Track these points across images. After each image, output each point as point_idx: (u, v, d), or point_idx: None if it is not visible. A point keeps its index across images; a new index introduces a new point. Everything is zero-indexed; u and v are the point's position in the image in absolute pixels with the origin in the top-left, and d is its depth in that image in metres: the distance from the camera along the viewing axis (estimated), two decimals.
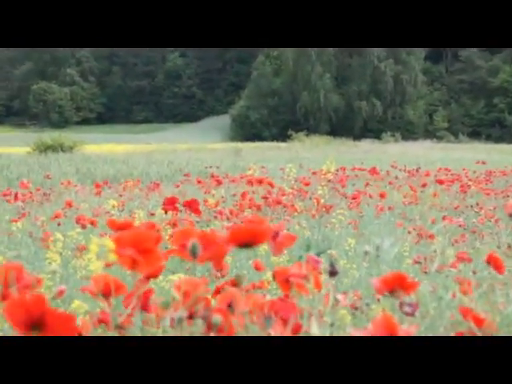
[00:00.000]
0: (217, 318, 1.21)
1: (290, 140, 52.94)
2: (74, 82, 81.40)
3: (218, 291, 1.52)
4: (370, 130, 64.12)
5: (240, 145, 40.88)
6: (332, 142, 51.10)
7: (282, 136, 57.37)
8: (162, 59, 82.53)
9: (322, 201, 7.23)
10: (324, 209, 7.16)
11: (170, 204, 2.97)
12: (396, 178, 12.79)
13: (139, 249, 1.21)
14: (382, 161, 23.52)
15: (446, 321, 2.18)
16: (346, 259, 4.71)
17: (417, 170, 14.00)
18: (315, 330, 1.20)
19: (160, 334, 1.25)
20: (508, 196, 9.51)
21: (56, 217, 6.27)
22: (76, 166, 21.03)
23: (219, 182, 9.60)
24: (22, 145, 35.00)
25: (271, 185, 7.20)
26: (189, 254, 1.26)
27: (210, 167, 18.36)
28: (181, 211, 3.33)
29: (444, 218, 6.31)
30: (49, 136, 33.43)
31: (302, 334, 1.27)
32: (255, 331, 1.24)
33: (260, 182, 7.10)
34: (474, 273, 3.44)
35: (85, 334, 1.40)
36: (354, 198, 8.26)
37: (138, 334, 1.28)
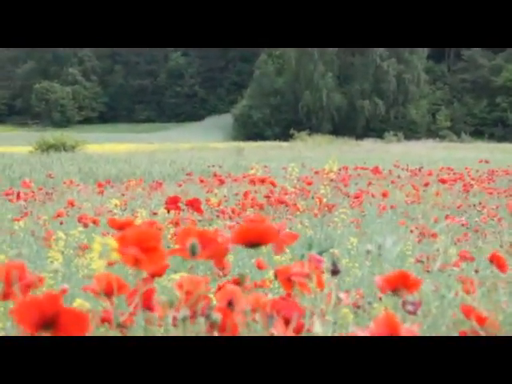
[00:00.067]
0: (216, 315, 1.21)
1: (292, 139, 52.91)
2: (76, 81, 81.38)
3: (220, 290, 1.52)
4: (373, 130, 64.05)
5: (242, 144, 40.83)
6: (334, 141, 51.07)
7: (285, 135, 57.33)
8: (165, 58, 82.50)
9: (325, 200, 7.23)
10: (326, 208, 7.16)
11: (172, 203, 2.97)
12: (398, 177, 12.78)
13: (142, 247, 1.20)
14: (385, 160, 23.51)
15: (448, 319, 2.18)
16: (349, 258, 4.71)
17: (419, 170, 14.00)
18: (318, 329, 1.20)
19: (162, 332, 1.25)
20: (511, 195, 9.51)
21: (58, 216, 6.28)
22: (78, 166, 21.03)
23: (222, 182, 9.60)
24: (24, 144, 35.02)
25: (273, 184, 7.20)
26: (188, 253, 1.25)
27: (213, 166, 18.37)
28: (183, 210, 3.33)
29: (447, 217, 6.31)
30: (51, 135, 33.42)
31: (304, 332, 1.27)
32: (257, 330, 1.24)
33: (262, 181, 7.10)
34: (477, 271, 3.44)
35: (87, 332, 1.39)
36: (356, 197, 8.26)
37: (141, 332, 1.28)
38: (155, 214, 6.33)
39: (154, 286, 1.38)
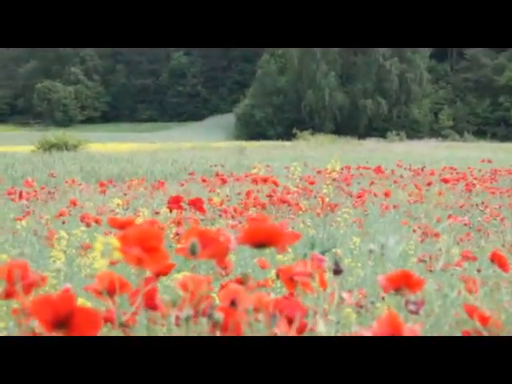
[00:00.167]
0: (218, 315, 1.21)
1: (294, 139, 52.92)
2: (78, 80, 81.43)
3: (223, 289, 1.52)
4: (375, 129, 64.07)
5: (244, 143, 40.84)
6: (337, 140, 51.08)
7: (287, 135, 57.34)
8: (167, 57, 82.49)
9: (327, 199, 7.22)
10: (329, 207, 7.15)
11: (174, 202, 2.97)
12: (401, 176, 12.78)
13: (144, 247, 1.20)
14: (387, 159, 23.51)
15: (450, 319, 2.18)
16: (351, 258, 4.70)
17: (422, 169, 13.98)
18: (322, 329, 1.20)
19: (165, 332, 1.25)
20: None
21: (60, 215, 6.27)
22: (80, 165, 21.05)
23: (224, 181, 9.60)
24: (26, 143, 35.06)
25: (276, 183, 7.19)
26: (188, 253, 1.25)
27: (215, 166, 18.37)
28: (185, 210, 3.32)
29: (449, 216, 6.31)
30: (53, 135, 33.45)
31: (306, 332, 1.27)
32: (260, 329, 1.23)
33: (265, 180, 7.09)
34: (479, 271, 3.43)
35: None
36: (358, 197, 8.26)
37: (143, 332, 1.28)
38: (157, 213, 6.32)
39: (157, 286, 1.38)
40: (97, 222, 5.21)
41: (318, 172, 12.16)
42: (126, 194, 9.92)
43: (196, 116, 79.41)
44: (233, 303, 1.25)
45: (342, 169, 11.69)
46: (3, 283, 1.31)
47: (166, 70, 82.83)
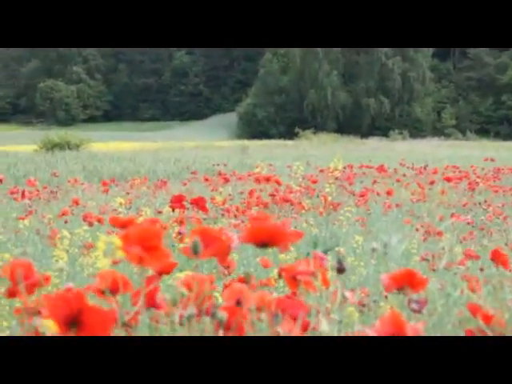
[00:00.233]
0: (222, 314, 1.21)
1: (297, 138, 52.93)
2: (80, 79, 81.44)
3: (226, 288, 1.52)
4: (378, 128, 64.03)
5: (247, 142, 40.80)
6: (339, 139, 51.07)
7: (289, 134, 57.31)
8: (169, 57, 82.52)
9: (330, 198, 7.22)
10: (331, 206, 7.15)
11: (177, 202, 2.97)
12: (404, 175, 12.76)
13: (145, 245, 1.20)
14: (390, 158, 23.50)
15: (453, 318, 2.17)
16: (354, 256, 4.70)
17: (425, 168, 13.97)
18: (325, 328, 1.20)
19: (168, 331, 1.25)
20: None
21: (63, 214, 6.27)
22: (83, 164, 21.05)
23: (226, 180, 9.59)
24: (28, 143, 35.09)
25: (278, 183, 7.19)
26: (190, 252, 1.25)
27: (218, 165, 18.36)
28: (188, 209, 3.32)
29: (452, 215, 6.30)
30: (55, 134, 33.48)
31: (309, 331, 1.26)
32: (262, 328, 1.23)
33: (267, 179, 7.08)
34: (482, 270, 3.43)
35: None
36: (361, 196, 8.25)
37: (146, 331, 1.28)
38: (160, 212, 6.32)
39: (159, 285, 1.37)
40: (99, 221, 5.21)
41: (321, 171, 12.15)
42: (128, 194, 9.93)
43: (198, 115, 79.40)
44: (238, 303, 1.25)
45: (344, 168, 11.69)
46: (6, 282, 1.31)
47: (169, 70, 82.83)
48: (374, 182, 11.08)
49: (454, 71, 74.36)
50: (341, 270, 1.35)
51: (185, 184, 11.59)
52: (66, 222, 6.29)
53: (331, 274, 1.41)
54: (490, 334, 1.45)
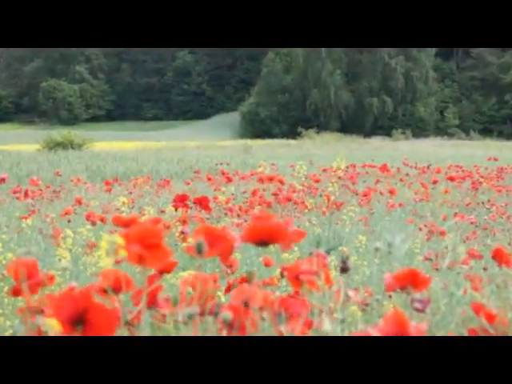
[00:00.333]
0: (226, 313, 1.21)
1: (300, 137, 52.94)
2: (83, 79, 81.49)
3: (229, 288, 1.52)
4: (381, 127, 64.03)
5: (250, 142, 40.84)
6: (342, 139, 51.09)
7: (292, 133, 57.32)
8: (172, 56, 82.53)
9: (333, 198, 7.22)
10: (334, 206, 7.15)
11: (180, 201, 2.97)
12: (407, 175, 12.75)
13: (145, 244, 1.20)
14: (393, 158, 23.50)
15: (457, 317, 2.17)
16: (357, 256, 4.70)
17: (428, 167, 13.96)
18: (327, 327, 1.20)
19: (170, 330, 1.25)
20: None
21: (66, 214, 6.28)
22: (86, 164, 21.08)
23: (229, 179, 9.60)
24: (31, 142, 35.14)
25: (282, 182, 7.19)
26: (195, 251, 1.25)
27: (221, 164, 18.37)
28: (191, 208, 3.32)
29: (455, 214, 6.30)
30: (58, 133, 33.53)
31: (312, 330, 1.26)
32: (265, 328, 1.23)
33: (271, 179, 7.08)
34: (485, 269, 3.43)
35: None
36: (364, 195, 8.25)
37: (148, 330, 1.28)
38: (163, 211, 6.33)
39: (162, 284, 1.37)
40: (102, 220, 5.21)
41: (324, 170, 12.15)
42: (131, 193, 9.94)
43: (201, 114, 79.41)
44: (245, 303, 1.25)
45: (347, 167, 11.68)
46: (10, 281, 1.32)
47: (171, 69, 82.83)
48: (377, 181, 11.07)
49: (457, 71, 74.31)
50: (345, 269, 1.35)
51: (188, 183, 11.59)
52: (68, 222, 6.29)
53: (334, 274, 1.41)
54: (493, 333, 1.45)
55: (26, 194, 7.58)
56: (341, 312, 1.30)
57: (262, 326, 1.24)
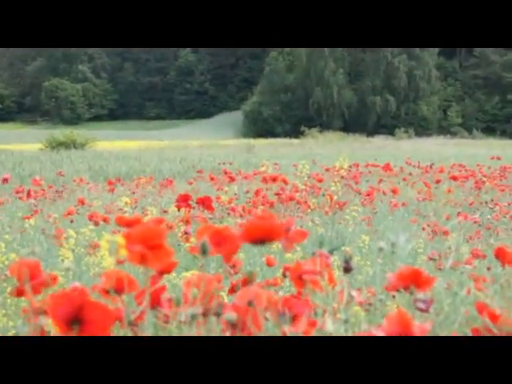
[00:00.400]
0: (229, 314, 1.21)
1: (302, 136, 52.95)
2: (86, 78, 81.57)
3: (232, 288, 1.52)
4: (384, 126, 64.02)
5: (252, 141, 40.84)
6: (345, 138, 51.11)
7: (295, 132, 57.35)
8: (174, 55, 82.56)
9: (336, 197, 7.21)
10: (337, 205, 7.14)
11: (183, 201, 2.97)
12: (410, 174, 12.74)
13: (148, 245, 1.20)
14: (396, 157, 23.49)
15: (460, 317, 2.17)
16: (360, 256, 4.70)
17: (430, 166, 13.94)
18: (330, 328, 1.19)
19: (173, 330, 1.25)
20: None
21: (68, 214, 6.27)
22: (88, 163, 21.08)
23: (232, 179, 9.59)
24: (33, 141, 35.17)
25: (285, 182, 7.18)
26: (199, 251, 1.25)
27: (223, 164, 18.37)
28: (194, 208, 3.32)
29: (458, 214, 6.29)
30: (61, 133, 33.56)
31: (316, 330, 1.26)
32: (269, 328, 1.23)
33: (274, 179, 7.08)
34: (489, 269, 3.42)
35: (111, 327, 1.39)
36: (367, 195, 8.24)
37: (152, 330, 1.28)
38: (166, 211, 6.33)
39: (165, 284, 1.37)
40: (105, 220, 5.21)
41: (327, 170, 12.14)
42: (134, 193, 9.94)
43: (204, 114, 79.45)
44: (250, 303, 1.25)
45: (350, 166, 11.68)
46: (14, 281, 1.32)
47: (174, 68, 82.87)
48: (380, 180, 11.06)
49: (460, 69, 74.29)
50: (348, 269, 1.35)
51: (190, 183, 11.59)
52: (71, 222, 6.29)
53: (337, 274, 1.41)
54: (497, 332, 1.45)
55: (28, 194, 7.58)
56: (344, 312, 1.30)
57: (266, 326, 1.23)
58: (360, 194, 8.62)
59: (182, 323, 1.20)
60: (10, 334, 2.99)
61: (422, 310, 1.37)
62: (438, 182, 9.93)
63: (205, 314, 1.21)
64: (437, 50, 69.66)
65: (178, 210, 3.02)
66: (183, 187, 11.25)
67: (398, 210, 7.85)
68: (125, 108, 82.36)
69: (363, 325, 1.45)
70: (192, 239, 3.51)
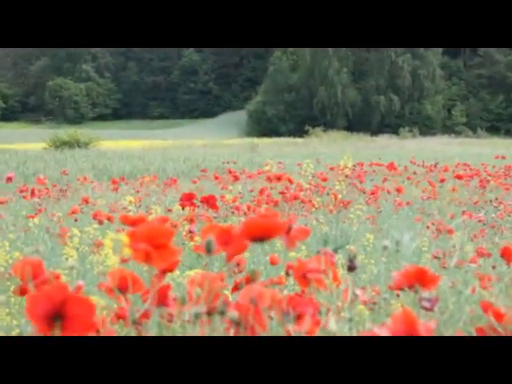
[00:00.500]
0: (233, 313, 1.20)
1: (307, 135, 52.94)
2: (89, 77, 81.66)
3: (236, 286, 1.51)
4: (388, 125, 63.99)
5: (256, 140, 40.84)
6: (349, 137, 51.08)
7: (299, 131, 57.36)
8: (178, 55, 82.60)
9: (340, 196, 7.21)
10: (342, 204, 7.14)
11: (187, 200, 2.97)
12: (414, 173, 12.74)
13: (153, 243, 1.19)
14: (400, 156, 23.49)
15: (465, 316, 2.16)
16: (364, 254, 4.69)
17: (435, 165, 13.93)
18: (333, 327, 1.19)
19: (178, 329, 1.24)
20: None
21: (73, 213, 6.28)
22: (92, 162, 21.12)
23: (236, 178, 9.59)
24: (37, 141, 35.22)
25: (290, 181, 7.18)
26: (204, 250, 1.25)
27: (227, 163, 18.37)
28: (198, 207, 3.32)
29: (463, 213, 6.28)
30: (65, 132, 33.62)
31: (320, 329, 1.26)
32: (273, 327, 1.23)
33: (279, 178, 7.07)
34: (494, 268, 3.42)
35: (102, 330, 1.39)
36: (371, 194, 8.24)
37: (156, 329, 1.27)
38: (170, 210, 6.33)
39: (170, 283, 1.37)
40: (109, 219, 5.21)
41: (331, 169, 12.13)
42: (138, 192, 9.95)
43: (208, 113, 79.49)
44: (252, 301, 1.24)
45: (354, 165, 11.67)
46: (18, 280, 1.31)
47: (178, 67, 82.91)
48: (385, 179, 11.05)
49: (465, 69, 74.22)
50: (352, 267, 1.35)
51: (195, 182, 11.59)
52: (75, 221, 6.29)
53: (342, 272, 1.40)
54: (501, 331, 1.44)
55: (32, 193, 7.58)
56: (348, 311, 1.29)
57: (270, 325, 1.23)
58: (364, 192, 8.62)
59: (186, 322, 1.20)
60: (14, 333, 2.99)
61: (426, 309, 1.37)
62: (442, 180, 9.92)
63: (209, 313, 1.21)
64: (441, 49, 69.59)
65: (183, 208, 3.02)
66: (187, 186, 11.25)
67: (402, 208, 7.84)
68: (128, 107, 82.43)
69: (367, 323, 1.45)
70: (196, 238, 3.51)
